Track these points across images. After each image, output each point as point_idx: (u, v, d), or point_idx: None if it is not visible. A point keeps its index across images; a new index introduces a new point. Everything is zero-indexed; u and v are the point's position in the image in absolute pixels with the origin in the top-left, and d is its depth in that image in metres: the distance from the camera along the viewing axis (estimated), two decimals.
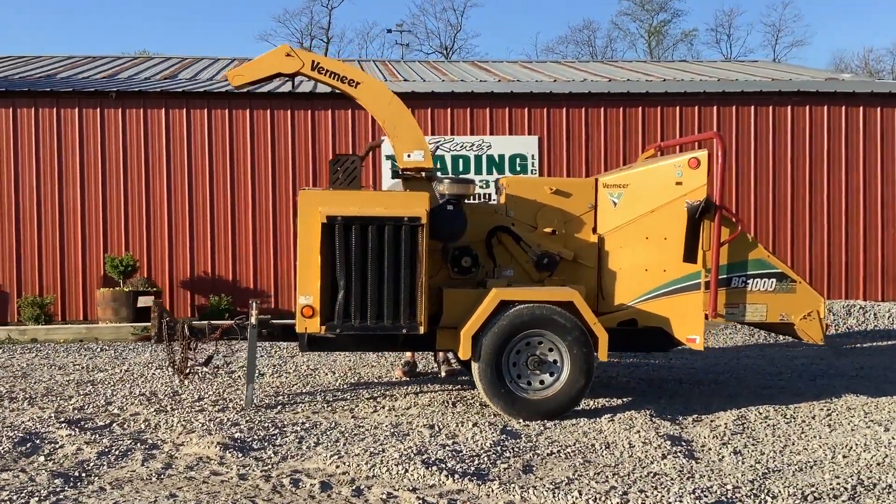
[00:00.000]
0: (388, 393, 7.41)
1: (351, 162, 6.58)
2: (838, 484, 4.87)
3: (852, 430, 6.22)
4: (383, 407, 6.84)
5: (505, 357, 6.41)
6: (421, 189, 6.81)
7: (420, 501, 4.46)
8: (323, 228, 6.21)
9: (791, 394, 7.54)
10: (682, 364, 9.09)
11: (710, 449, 5.68)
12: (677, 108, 12.62)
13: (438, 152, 12.23)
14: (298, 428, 6.05)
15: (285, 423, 6.21)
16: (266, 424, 6.15)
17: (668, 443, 5.72)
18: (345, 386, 7.75)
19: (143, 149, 11.94)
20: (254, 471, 4.99)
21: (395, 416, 6.54)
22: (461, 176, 7.01)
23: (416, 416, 6.50)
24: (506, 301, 6.44)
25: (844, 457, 5.49)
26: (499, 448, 5.55)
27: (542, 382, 6.51)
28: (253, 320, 6.73)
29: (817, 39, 66.07)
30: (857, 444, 5.74)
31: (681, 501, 4.50)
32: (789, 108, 12.68)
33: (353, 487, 4.68)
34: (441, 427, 6.14)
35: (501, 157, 12.37)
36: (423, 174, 6.96)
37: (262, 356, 9.24)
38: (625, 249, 6.95)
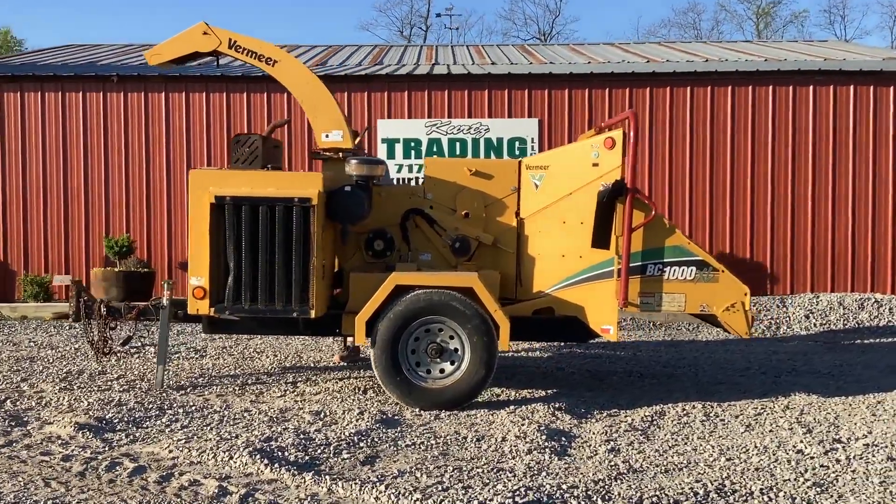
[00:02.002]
0: (313, 378, 7.28)
1: (252, 142, 6.46)
2: (692, 489, 4.50)
3: (769, 431, 5.76)
4: (293, 392, 6.73)
5: (402, 344, 6.20)
6: (339, 170, 6.65)
7: (218, 489, 4.32)
8: (212, 209, 6.11)
9: (739, 390, 7.07)
10: (648, 356, 8.67)
11: (588, 446, 5.34)
12: (688, 88, 12.02)
13: (434, 135, 12.00)
14: (182, 411, 5.99)
15: (175, 405, 6.16)
16: (153, 406, 6.11)
17: (546, 438, 5.41)
18: (277, 370, 7.66)
19: (144, 132, 12.11)
20: (85, 452, 4.94)
21: (294, 401, 6.40)
22: (369, 156, 6.77)
23: (314, 403, 6.36)
24: (403, 286, 6.22)
25: (729, 459, 5.08)
26: (358, 438, 5.35)
27: (442, 371, 6.27)
28: (165, 301, 6.70)
29: None
30: (756, 447, 5.31)
31: (492, 500, 4.22)
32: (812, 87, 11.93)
33: (165, 473, 4.57)
34: (326, 414, 5.97)
35: (500, 140, 12.04)
36: (342, 154, 6.79)
37: (220, 337, 9.24)
38: (543, 234, 6.63)
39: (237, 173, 6.26)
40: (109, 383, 6.85)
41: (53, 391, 6.55)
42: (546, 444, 5.31)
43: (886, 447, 5.32)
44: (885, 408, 6.39)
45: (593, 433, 5.64)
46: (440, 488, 4.40)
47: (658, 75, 12.07)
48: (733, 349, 9.11)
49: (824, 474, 4.80)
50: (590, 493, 4.42)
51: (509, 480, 4.56)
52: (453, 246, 6.63)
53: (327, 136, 6.81)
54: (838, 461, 5.05)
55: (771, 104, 12.04)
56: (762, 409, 6.40)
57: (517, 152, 12.01)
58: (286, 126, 11.88)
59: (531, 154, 12.03)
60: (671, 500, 4.35)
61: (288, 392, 6.71)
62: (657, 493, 4.44)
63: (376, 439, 5.36)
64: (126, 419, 5.72)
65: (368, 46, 16.77)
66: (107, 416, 5.74)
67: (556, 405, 6.30)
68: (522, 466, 4.86)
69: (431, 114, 12.10)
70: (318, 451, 5.03)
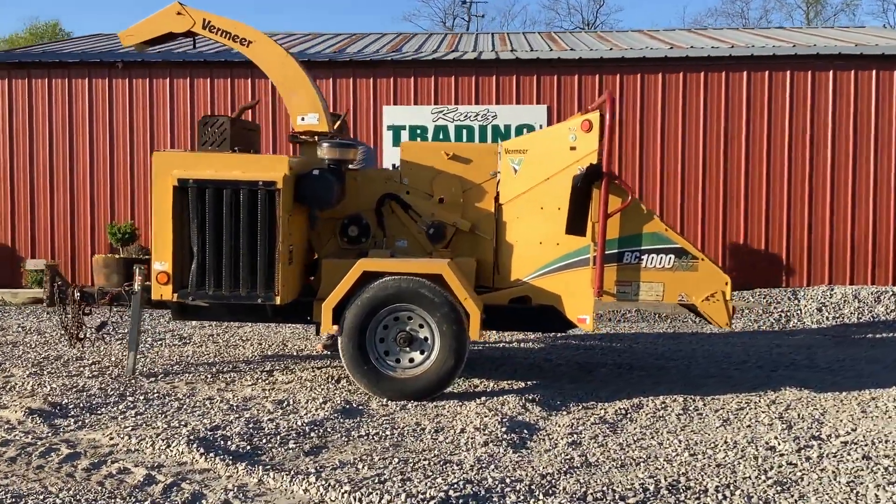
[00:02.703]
0: (292, 367, 7.15)
1: (220, 123, 6.32)
2: (642, 485, 4.29)
3: (746, 426, 5.50)
4: (266, 381, 6.60)
5: (370, 332, 6.03)
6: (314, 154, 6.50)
7: (145, 477, 4.20)
8: (175, 192, 5.99)
9: (729, 384, 6.79)
10: (644, 348, 8.39)
11: (550, 439, 5.13)
12: (701, 73, 11.65)
13: (441, 122, 11.80)
14: (143, 398, 5.89)
15: (138, 392, 6.06)
16: (115, 393, 6.02)
17: (506, 431, 5.21)
18: (258, 358, 7.54)
19: (148, 118, 12.08)
20: (27, 438, 4.85)
21: (262, 390, 6.27)
22: (342, 140, 6.59)
23: (282, 391, 6.22)
24: (370, 272, 6.05)
25: (693, 454, 4.84)
26: (311, 428, 5.20)
27: (411, 361, 6.09)
28: (136, 287, 6.60)
29: None
30: (725, 443, 5.07)
31: (425, 493, 4.04)
32: (823, 73, 11.50)
33: (97, 461, 4.47)
34: (289, 403, 5.83)
35: (508, 127, 11.79)
36: (317, 138, 6.63)
37: (208, 325, 9.15)
38: (521, 221, 6.41)
39: (202, 156, 6.13)
40: (82, 369, 6.79)
41: (23, 376, 6.49)
42: (505, 436, 5.11)
43: (866, 445, 5.04)
44: (878, 405, 6.09)
45: (559, 426, 5.43)
46: (376, 481, 4.23)
47: (670, 60, 11.72)
48: (735, 342, 8.80)
49: (790, 472, 4.54)
50: (533, 487, 4.22)
51: (453, 473, 4.38)
52: (428, 232, 6.45)
53: (303, 118, 6.67)
54: (809, 459, 4.78)
55: (788, 90, 11.63)
56: (746, 403, 6.13)
57: None
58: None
59: None
60: (617, 496, 4.13)
61: (260, 381, 6.59)
62: (604, 488, 4.23)
63: (330, 429, 5.20)
64: (82, 405, 5.63)
65: (391, 35, 16.55)
66: (63, 402, 5.66)
67: (531, 397, 6.10)
68: (472, 459, 4.67)
69: (438, 100, 11.89)
70: (265, 440, 4.89)
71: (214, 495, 4.01)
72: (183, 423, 5.20)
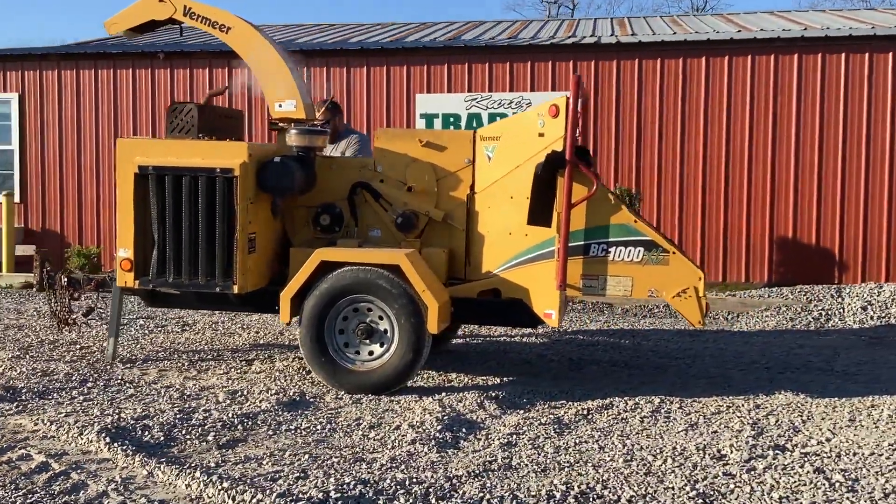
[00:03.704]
0: (275, 356, 7.08)
1: (188, 110, 6.28)
2: (549, 492, 4.03)
3: (711, 431, 5.14)
4: (238, 370, 6.55)
5: (329, 323, 5.90)
6: None
7: (40, 465, 4.19)
8: (136, 179, 5.98)
9: (722, 385, 6.38)
10: (653, 345, 7.99)
11: (487, 439, 4.89)
12: (748, 57, 11.04)
13: (474, 110, 11.56)
14: (103, 384, 5.93)
15: (102, 378, 6.10)
16: (78, 378, 6.07)
17: (443, 429, 5.00)
18: (246, 347, 7.51)
19: None
20: None
21: (228, 379, 6.22)
22: (311, 127, 6.45)
23: (245, 381, 6.15)
24: (329, 262, 5.91)
25: (627, 461, 4.53)
26: (242, 420, 5.10)
27: (371, 353, 5.93)
28: (117, 273, 6.64)
29: None
30: (673, 449, 4.73)
31: (308, 492, 3.87)
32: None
33: (5, 446, 4.49)
34: (242, 394, 5.75)
35: None
36: (292, 125, 6.52)
37: (214, 312, 9.16)
38: (492, 211, 6.15)
39: (163, 143, 6.10)
40: (65, 353, 6.89)
41: (3, 358, 6.63)
42: (438, 435, 4.90)
43: (827, 458, 4.62)
44: (872, 413, 5.59)
45: (504, 425, 5.18)
46: (268, 478, 4.09)
47: (713, 43, 11.17)
48: (756, 341, 8.28)
49: (721, 484, 4.19)
50: (432, 490, 4.01)
51: (354, 472, 4.21)
52: (396, 221, 6.26)
53: (280, 105, 6.56)
54: (753, 470, 4.40)
55: (843, 73, 10.91)
56: (727, 407, 5.73)
57: None
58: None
59: None
60: (518, 503, 3.88)
61: (234, 369, 6.54)
62: (508, 493, 3.99)
63: (261, 422, 5.09)
64: (37, 390, 5.69)
65: (507, 22, 16.16)
66: (18, 386, 5.74)
67: (495, 394, 5.85)
68: (386, 458, 4.48)
69: (471, 87, 11.66)
70: (184, 432, 4.81)
71: (96, 486, 3.96)
72: (117, 411, 5.18)
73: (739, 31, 11.81)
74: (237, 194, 5.88)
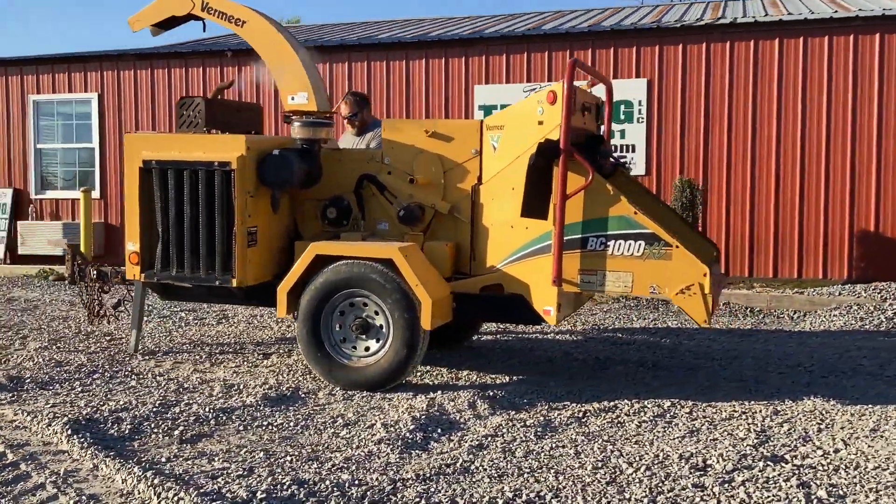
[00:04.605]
0: (291, 350, 7.04)
1: (196, 105, 6.30)
2: (491, 499, 3.82)
3: (712, 439, 4.79)
4: (251, 363, 6.54)
5: (324, 318, 5.81)
6: None
7: None
8: (140, 173, 6.04)
9: (748, 390, 5.96)
10: (693, 346, 7.54)
11: (459, 441, 4.69)
12: (825, 38, 10.32)
13: None
14: (108, 376, 6.02)
15: (111, 370, 6.18)
16: (87, 369, 6.18)
17: (417, 428, 4.84)
18: (270, 341, 7.48)
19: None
20: None
21: (234, 373, 6.21)
22: (315, 120, 6.34)
23: (245, 375, 6.13)
24: (324, 256, 5.81)
25: (596, 469, 4.25)
26: (217, 414, 5.08)
27: (367, 349, 5.81)
28: None
29: None
30: (655, 457, 4.42)
31: (233, 492, 3.78)
32: None
33: None
34: (237, 387, 5.73)
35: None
36: (303, 118, 6.45)
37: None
38: (496, 202, 5.92)
39: (168, 137, 6.16)
40: (90, 345, 7.05)
41: (31, 349, 6.83)
42: (410, 435, 4.73)
43: (822, 471, 4.22)
44: None
45: (486, 427, 4.96)
46: (208, 475, 4.02)
47: (785, 24, 10.50)
48: (812, 342, 7.70)
49: (685, 497, 3.87)
50: (369, 493, 3.86)
51: (301, 471, 4.10)
52: (399, 214, 6.10)
53: (293, 98, 6.52)
54: (728, 482, 4.05)
55: None
56: (743, 412, 5.33)
57: (622, 117, 10.99)
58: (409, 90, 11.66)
59: (637, 120, 10.96)
60: None
61: (246, 363, 6.54)
62: (448, 499, 3.80)
63: (236, 417, 5.04)
64: (42, 380, 5.82)
65: (649, 6, 15.54)
66: (25, 376, 5.89)
67: (494, 393, 5.64)
68: (343, 458, 4.35)
69: (530, 77, 11.36)
70: (154, 425, 4.81)
71: (37, 478, 3.98)
72: (102, 402, 5.23)
73: (812, 13, 11.06)
74: (235, 188, 5.85)
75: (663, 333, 8.04)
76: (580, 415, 5.25)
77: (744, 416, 5.26)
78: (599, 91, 6.82)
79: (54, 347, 6.94)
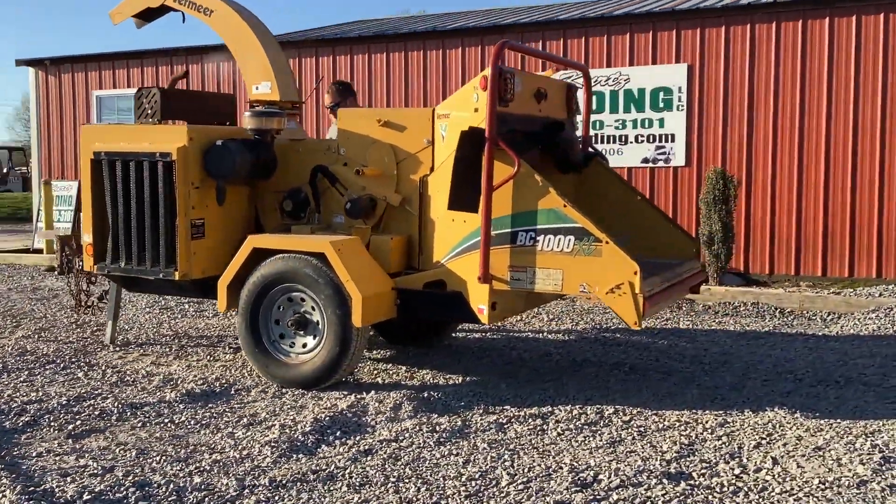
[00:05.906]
0: None
1: (151, 95, 6.26)
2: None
3: (626, 451, 4.41)
4: (212, 358, 6.49)
5: (263, 313, 5.68)
6: None
7: None
8: (92, 164, 6.06)
9: (718, 398, 5.49)
10: (693, 349, 7.02)
11: (349, 446, 4.48)
12: (881, 15, 9.46)
13: None
14: (61, 366, 6.08)
15: (76, 362, 6.25)
16: (48, 359, 6.26)
17: (313, 431, 4.67)
18: None
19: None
20: None
21: (186, 367, 6.18)
22: (267, 109, 6.19)
23: (196, 369, 6.08)
24: (261, 249, 5.68)
25: (472, 479, 3.95)
26: (121, 409, 5.05)
27: (304, 346, 5.65)
28: None
29: None
30: (547, 468, 4.09)
31: (63, 491, 3.68)
32: None
33: None
34: (174, 381, 5.68)
35: (641, 91, 10.48)
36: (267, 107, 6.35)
37: None
38: (441, 194, 5.63)
39: (118, 128, 6.18)
40: (69, 335, 7.15)
41: (15, 336, 6.99)
42: (303, 437, 4.56)
43: (707, 492, 3.79)
44: (857, 443, 4.53)
45: (390, 431, 4.73)
46: (61, 473, 3.99)
47: (836, 1, 9.69)
48: (826, 347, 7.01)
49: None
50: (207, 499, 3.71)
51: (158, 472, 3.99)
52: (346, 207, 5.91)
53: (257, 88, 6.45)
54: (595, 500, 3.68)
55: None
56: (686, 423, 4.92)
57: (661, 105, 10.43)
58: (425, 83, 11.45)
59: (677, 108, 10.38)
60: None
61: (209, 357, 6.49)
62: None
63: (142, 412, 5.00)
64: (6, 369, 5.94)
65: None
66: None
67: (430, 395, 5.43)
68: (212, 460, 4.20)
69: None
70: (53, 419, 4.82)
71: None
72: (29, 393, 5.29)
73: None
74: (177, 179, 5.78)
75: (665, 335, 7.54)
76: (505, 420, 4.94)
77: (683, 427, 4.83)
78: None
79: (37, 336, 7.09)
